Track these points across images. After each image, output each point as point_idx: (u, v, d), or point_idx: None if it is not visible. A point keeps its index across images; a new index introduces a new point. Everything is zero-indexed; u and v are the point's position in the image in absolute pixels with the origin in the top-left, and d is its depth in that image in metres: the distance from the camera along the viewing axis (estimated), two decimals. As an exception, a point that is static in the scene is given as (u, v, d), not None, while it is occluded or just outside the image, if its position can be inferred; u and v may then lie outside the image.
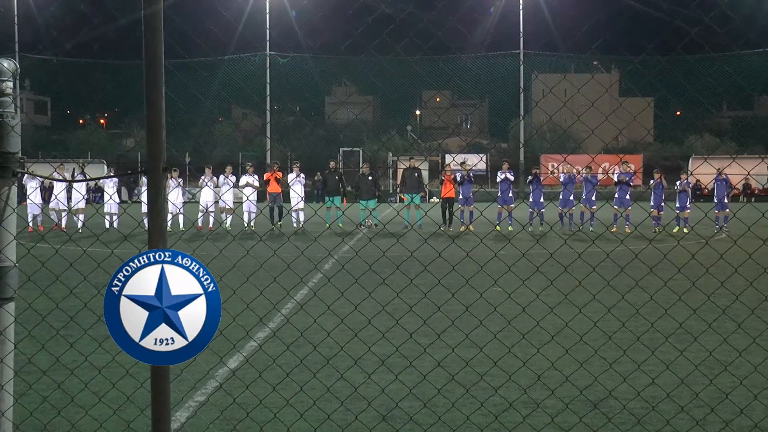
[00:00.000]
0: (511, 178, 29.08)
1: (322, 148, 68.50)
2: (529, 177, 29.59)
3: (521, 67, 63.32)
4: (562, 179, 29.10)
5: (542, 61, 67.51)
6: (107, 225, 28.56)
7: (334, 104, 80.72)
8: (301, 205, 30.07)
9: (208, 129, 74.09)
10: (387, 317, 9.38)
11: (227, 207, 29.35)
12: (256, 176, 29.99)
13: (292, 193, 30.29)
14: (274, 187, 29.68)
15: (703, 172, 29.40)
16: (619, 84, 71.43)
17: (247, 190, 29.19)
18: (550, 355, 7.85)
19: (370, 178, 30.57)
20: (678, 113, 76.82)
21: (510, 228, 28.18)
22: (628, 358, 8.02)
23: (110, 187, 29.69)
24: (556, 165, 52.46)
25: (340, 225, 29.68)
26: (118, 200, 30.03)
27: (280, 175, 30.28)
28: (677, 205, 27.44)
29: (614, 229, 26.84)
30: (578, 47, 63.72)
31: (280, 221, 29.33)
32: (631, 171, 30.89)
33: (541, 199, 28.66)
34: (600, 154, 58.17)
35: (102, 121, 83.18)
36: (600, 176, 35.82)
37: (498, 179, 29.25)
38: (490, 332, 8.02)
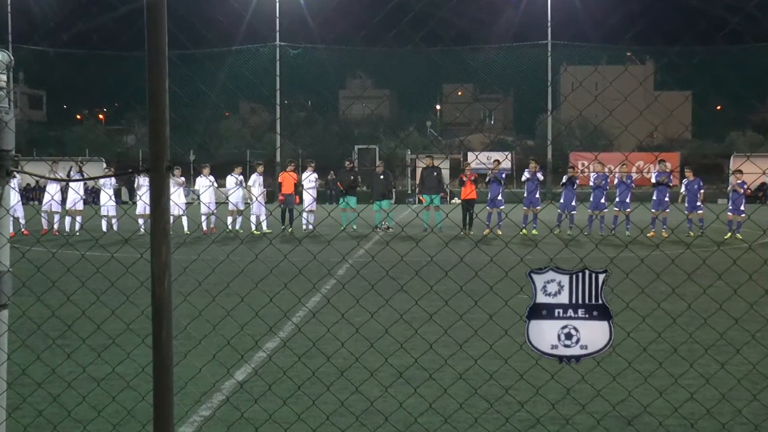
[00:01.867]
0: (540, 177, 29.02)
1: (336, 146, 68.58)
2: (564, 179, 29.34)
3: (549, 59, 63.20)
4: (592, 181, 28.95)
5: (572, 52, 67.38)
6: (104, 228, 28.62)
7: (348, 99, 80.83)
8: (314, 206, 30.13)
9: (214, 125, 74.32)
10: (405, 326, 9.37)
11: (237, 209, 29.52)
12: (260, 177, 30.13)
13: (304, 194, 30.35)
14: (288, 188, 29.77)
15: (746, 171, 29.05)
16: (654, 77, 71.23)
17: (256, 191, 29.30)
18: (581, 368, 7.82)
19: (381, 177, 30.55)
20: (718, 108, 76.57)
21: (534, 231, 28.12)
22: (664, 371, 7.98)
23: (108, 187, 29.75)
24: (586, 164, 52.38)
25: (354, 227, 29.72)
26: (114, 202, 30.08)
27: (296, 176, 30.44)
28: (729, 207, 27.12)
29: (651, 234, 26.73)
30: (610, 37, 63.64)
31: (291, 225, 29.38)
32: (668, 170, 30.73)
33: (573, 202, 28.53)
34: (634, 152, 57.97)
35: (101, 116, 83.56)
36: (635, 176, 35.70)
37: (523, 178, 29.20)
38: (516, 342, 7.99)
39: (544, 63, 63.89)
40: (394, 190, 31.81)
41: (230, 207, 30.14)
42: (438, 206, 29.95)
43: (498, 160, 30.81)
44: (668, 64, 63.53)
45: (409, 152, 66.14)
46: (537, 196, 28.63)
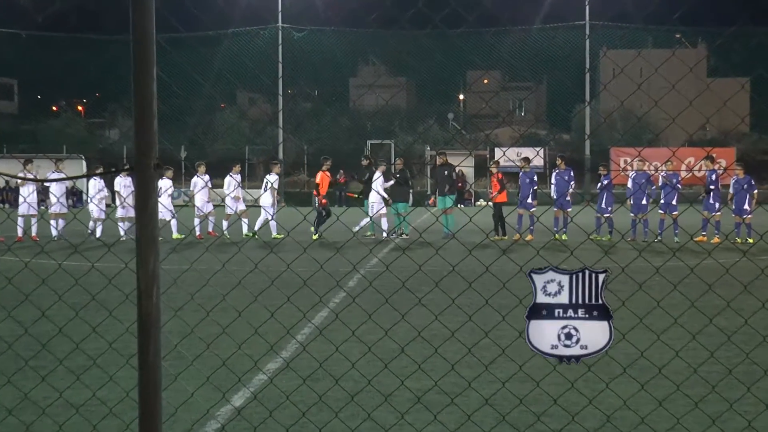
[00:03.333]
0: (571, 182, 29.08)
1: (346, 141, 68.58)
2: (600, 184, 29.40)
3: (587, 42, 63.09)
4: (630, 182, 28.84)
5: (612, 34, 67.25)
6: (90, 232, 28.65)
7: (360, 87, 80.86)
8: (384, 210, 29.69)
9: (209, 118, 74.38)
10: (424, 345, 9.37)
11: (239, 209, 29.67)
12: (277, 177, 30.41)
13: (374, 197, 29.96)
14: (326, 189, 30.04)
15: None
16: (706, 62, 70.99)
17: (270, 194, 29.42)
18: (622, 392, 7.82)
19: (398, 176, 30.52)
20: (780, 96, 76.30)
21: (564, 236, 28.11)
22: (717, 395, 7.96)
23: (95, 188, 29.76)
24: (629, 161, 52.28)
25: (370, 233, 29.81)
26: (104, 204, 30.16)
27: (330, 176, 30.71)
28: None
29: (700, 238, 26.61)
30: (656, 17, 63.33)
31: (319, 231, 29.45)
32: (719, 168, 30.61)
33: (607, 204, 28.50)
34: (683, 147, 57.82)
35: (80, 108, 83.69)
36: (682, 174, 35.59)
37: (552, 181, 29.33)
38: (549, 363, 7.98)
39: (581, 47, 63.74)
40: (411, 190, 31.68)
41: (228, 210, 30.14)
42: (451, 208, 29.88)
43: (526, 158, 30.79)
44: (722, 48, 63.19)
45: (428, 148, 66.11)
46: (568, 198, 28.71)
